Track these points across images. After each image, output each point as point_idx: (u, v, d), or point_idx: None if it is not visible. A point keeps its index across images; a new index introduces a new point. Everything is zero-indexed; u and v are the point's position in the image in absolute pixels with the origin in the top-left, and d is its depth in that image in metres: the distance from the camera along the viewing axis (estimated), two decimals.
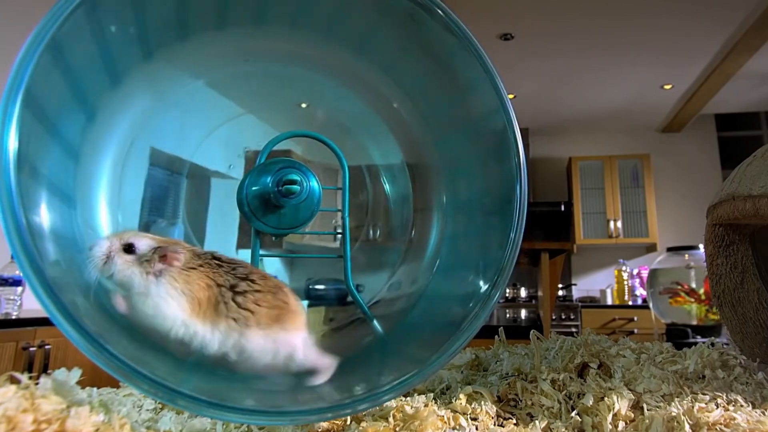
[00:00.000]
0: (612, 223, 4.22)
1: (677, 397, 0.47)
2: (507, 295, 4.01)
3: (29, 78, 0.34)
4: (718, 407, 0.44)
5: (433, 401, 0.48)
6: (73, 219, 0.43)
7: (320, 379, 0.44)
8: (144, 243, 0.41)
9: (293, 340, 0.43)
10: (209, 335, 0.40)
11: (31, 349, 1.92)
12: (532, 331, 0.59)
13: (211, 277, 0.42)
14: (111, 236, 0.41)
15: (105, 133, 0.47)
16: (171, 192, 0.53)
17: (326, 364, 0.44)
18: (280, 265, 0.59)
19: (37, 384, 0.37)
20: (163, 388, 0.34)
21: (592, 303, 4.05)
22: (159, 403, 0.50)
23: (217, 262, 0.43)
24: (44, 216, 0.38)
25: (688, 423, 0.41)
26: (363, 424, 0.42)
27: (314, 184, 0.52)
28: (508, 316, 3.77)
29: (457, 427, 0.43)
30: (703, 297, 1.63)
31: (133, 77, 0.47)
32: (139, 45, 0.47)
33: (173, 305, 0.40)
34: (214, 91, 0.54)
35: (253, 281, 0.43)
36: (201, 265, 0.42)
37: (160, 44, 0.48)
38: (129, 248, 0.40)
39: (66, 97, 0.41)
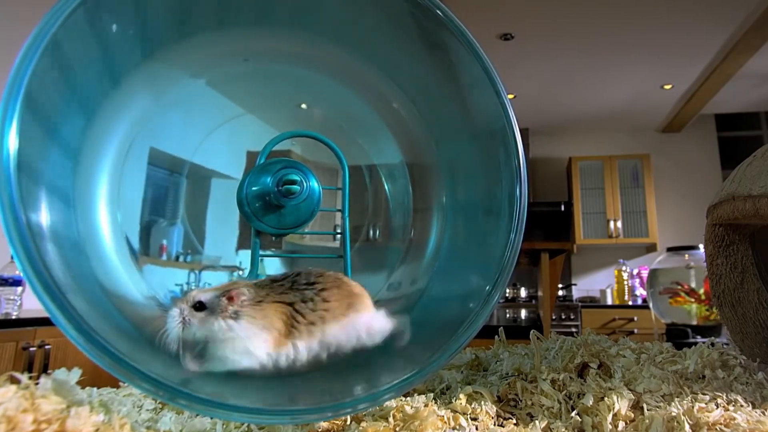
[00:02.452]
0: (612, 223, 4.22)
1: (677, 397, 0.47)
2: (507, 295, 4.01)
3: (29, 79, 0.34)
4: (718, 407, 0.44)
5: (433, 401, 0.48)
6: (73, 219, 0.43)
7: (405, 338, 0.47)
8: (209, 295, 0.42)
9: (368, 318, 0.46)
10: (295, 349, 0.43)
11: (31, 349, 1.92)
12: (532, 331, 0.59)
13: (281, 300, 0.43)
14: (176, 303, 0.42)
15: (105, 133, 0.47)
16: (171, 192, 0.53)
17: (400, 325, 0.47)
18: (280, 265, 0.59)
19: (37, 384, 0.37)
20: (163, 388, 0.34)
21: (592, 303, 4.05)
22: (159, 403, 0.50)
23: (278, 283, 0.45)
24: (44, 216, 0.38)
25: (688, 423, 0.41)
26: (363, 424, 0.42)
27: (314, 184, 0.52)
28: (508, 316, 3.77)
29: (457, 427, 0.43)
30: (703, 297, 1.63)
31: (133, 77, 0.47)
32: (140, 45, 0.47)
33: (258, 341, 0.41)
34: (214, 90, 0.54)
35: (317, 282, 0.45)
36: (267, 294, 0.43)
37: (161, 44, 0.48)
38: (200, 306, 0.41)
39: (66, 97, 0.41)
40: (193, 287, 0.54)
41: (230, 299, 0.42)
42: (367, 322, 0.46)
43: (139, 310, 0.47)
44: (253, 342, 0.41)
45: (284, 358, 0.42)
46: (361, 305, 0.46)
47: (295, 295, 0.44)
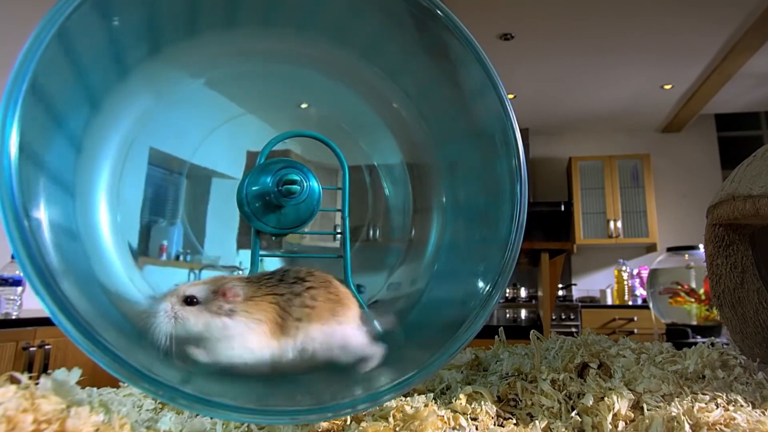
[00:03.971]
0: (612, 223, 4.22)
1: (677, 397, 0.47)
2: (507, 295, 4.01)
3: (36, 65, 0.34)
4: (718, 407, 0.44)
5: (433, 401, 0.48)
6: (73, 219, 0.43)
7: (370, 365, 0.45)
8: (199, 289, 0.42)
9: (348, 331, 0.45)
10: (284, 345, 0.42)
11: (31, 349, 1.92)
12: (532, 331, 0.59)
13: (272, 293, 0.43)
14: (164, 297, 0.42)
15: (107, 129, 0.47)
16: (171, 192, 0.53)
17: (376, 352, 0.46)
18: (279, 265, 0.59)
19: (37, 384, 0.37)
20: (163, 388, 0.34)
21: (592, 303, 4.05)
22: (159, 403, 0.50)
23: (267, 277, 0.44)
24: (45, 214, 0.38)
25: (688, 423, 0.41)
26: (363, 424, 0.42)
27: (314, 184, 0.52)
28: (508, 316, 3.77)
29: (457, 427, 0.43)
30: (703, 297, 1.62)
31: (139, 72, 0.47)
32: (147, 40, 0.47)
33: (256, 338, 0.41)
34: (214, 91, 0.54)
35: (305, 279, 0.44)
36: (259, 288, 0.43)
37: (169, 40, 0.48)
38: (191, 300, 0.41)
39: (72, 87, 0.41)
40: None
41: (223, 295, 0.41)
42: (345, 336, 0.44)
43: (139, 310, 0.47)
44: (251, 338, 0.41)
45: (279, 352, 0.42)
46: (345, 316, 0.45)
47: (284, 288, 0.43)
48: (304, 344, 0.43)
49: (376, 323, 0.48)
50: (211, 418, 0.44)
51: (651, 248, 4.25)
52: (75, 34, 0.38)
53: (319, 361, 0.43)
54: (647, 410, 0.45)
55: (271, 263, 0.56)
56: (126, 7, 0.43)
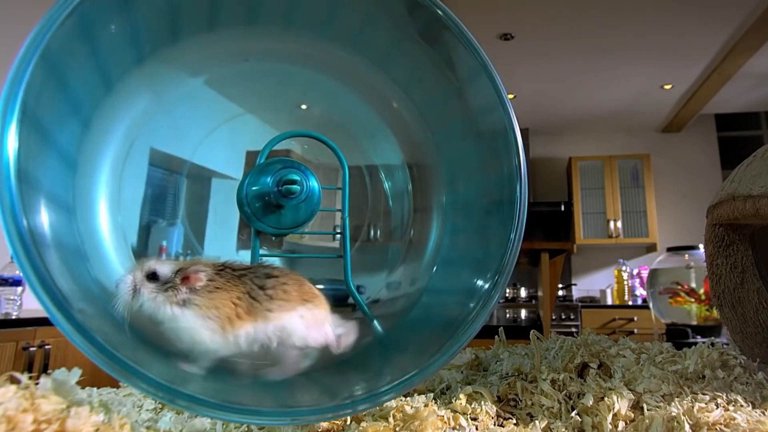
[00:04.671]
0: (612, 223, 4.22)
1: (677, 397, 0.47)
2: (507, 295, 4.01)
3: (24, 89, 0.34)
4: (718, 407, 0.44)
5: (433, 401, 0.48)
6: (73, 221, 0.43)
7: (350, 338, 0.46)
8: (166, 268, 0.41)
9: (322, 315, 0.45)
10: (251, 335, 0.42)
11: (31, 349, 1.92)
12: (532, 331, 0.59)
13: (238, 287, 0.43)
14: (134, 269, 0.41)
15: (103, 137, 0.47)
16: (171, 192, 0.53)
17: (349, 326, 0.47)
18: (280, 264, 0.59)
19: (37, 384, 0.37)
20: (163, 388, 0.34)
21: (592, 303, 4.05)
22: (159, 403, 0.50)
23: (240, 271, 0.44)
24: (43, 219, 0.38)
25: (688, 423, 0.41)
26: (363, 424, 0.42)
27: (314, 184, 0.52)
28: (508, 316, 3.77)
29: (457, 427, 0.43)
30: (703, 297, 1.62)
31: (128, 80, 0.47)
32: (133, 49, 0.47)
33: (206, 332, 0.41)
34: (213, 90, 0.54)
35: (277, 276, 0.44)
36: (227, 281, 0.43)
37: (154, 47, 0.48)
38: (152, 276, 0.41)
39: (62, 105, 0.41)
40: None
41: (185, 279, 0.41)
42: (321, 319, 0.45)
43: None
44: (199, 333, 0.40)
45: (241, 344, 0.41)
46: (317, 305, 0.45)
47: (254, 284, 0.43)
48: (278, 331, 0.43)
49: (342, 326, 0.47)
50: (211, 419, 0.44)
51: (651, 248, 4.25)
52: (60, 50, 0.38)
53: (295, 347, 0.43)
54: (647, 410, 0.45)
55: (271, 263, 0.56)
56: (108, 19, 0.43)
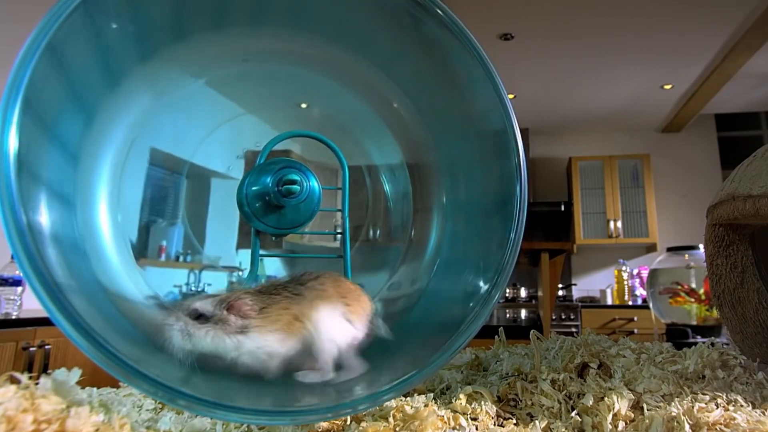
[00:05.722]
0: (612, 223, 4.22)
1: (677, 397, 0.47)
2: (507, 295, 4.01)
3: (28, 81, 0.34)
4: (718, 407, 0.44)
5: (433, 401, 0.48)
6: (73, 220, 0.43)
7: (350, 375, 0.46)
8: (207, 305, 0.42)
9: (364, 309, 0.47)
10: (308, 338, 0.43)
11: (31, 349, 1.92)
12: (532, 331, 0.59)
13: (282, 302, 0.43)
14: (173, 313, 0.42)
15: (104, 134, 0.47)
16: (171, 192, 0.53)
17: (358, 366, 0.46)
18: (280, 265, 0.59)
19: (37, 384, 0.37)
20: (163, 388, 0.34)
21: (592, 303, 4.05)
22: (159, 403, 0.50)
23: (276, 287, 0.45)
24: (44, 217, 0.38)
25: (688, 423, 0.41)
26: (363, 424, 0.42)
27: (314, 184, 0.52)
28: (508, 316, 3.77)
29: (457, 427, 0.43)
30: (703, 297, 1.62)
31: (131, 78, 0.47)
32: (137, 46, 0.47)
33: (276, 344, 0.42)
34: (213, 91, 0.54)
35: (314, 280, 0.46)
36: (269, 298, 0.43)
37: (158, 46, 0.48)
38: (198, 316, 0.41)
39: (64, 100, 0.41)
40: (192, 288, 0.53)
41: (230, 308, 0.42)
42: (341, 322, 0.45)
43: (139, 310, 0.47)
44: (271, 347, 0.42)
45: (295, 355, 0.43)
46: (353, 309, 0.46)
47: (295, 290, 0.44)
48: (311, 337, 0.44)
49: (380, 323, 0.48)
50: (211, 419, 0.44)
51: (651, 248, 4.25)
52: (65, 44, 0.38)
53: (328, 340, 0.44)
54: (647, 410, 0.45)
55: (271, 263, 0.56)
56: (114, 15, 0.43)
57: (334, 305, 0.45)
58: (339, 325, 0.44)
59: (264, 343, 0.41)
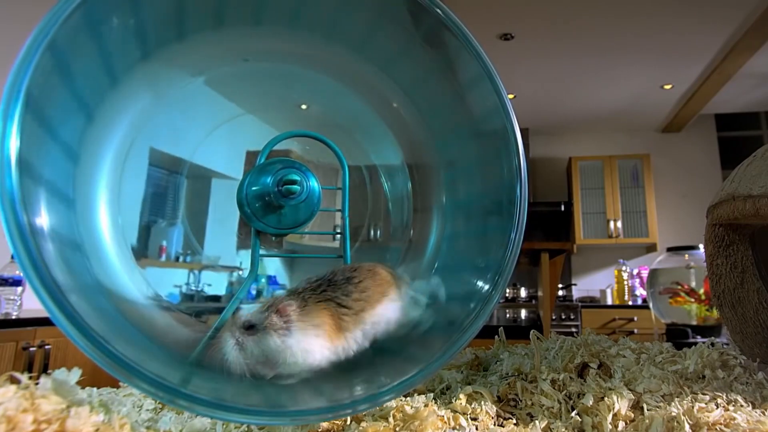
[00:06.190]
0: (612, 223, 4.22)
1: (677, 397, 0.47)
2: (507, 295, 4.01)
3: (29, 80, 0.34)
4: (718, 407, 0.44)
5: (433, 401, 0.48)
6: (73, 220, 0.43)
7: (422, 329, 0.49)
8: (255, 315, 0.43)
9: (391, 309, 0.48)
10: (347, 340, 0.45)
11: (31, 349, 1.92)
12: (532, 331, 0.59)
13: (323, 299, 0.45)
14: (226, 328, 0.43)
15: (105, 133, 0.47)
16: (171, 192, 0.53)
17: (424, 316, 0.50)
18: (280, 265, 0.59)
19: (37, 384, 0.37)
20: (163, 388, 0.34)
21: (592, 303, 4.05)
22: (159, 403, 0.50)
23: (315, 283, 0.46)
24: (45, 217, 0.38)
25: (688, 423, 0.41)
26: (363, 424, 0.42)
27: (314, 184, 0.52)
28: (508, 316, 3.77)
29: (457, 427, 0.43)
30: (703, 297, 1.62)
31: (132, 77, 0.47)
32: (138, 45, 0.47)
33: (317, 341, 0.43)
34: (213, 91, 0.54)
35: (352, 278, 0.47)
36: (309, 297, 0.45)
37: (158, 45, 0.48)
38: (250, 327, 0.42)
39: (65, 98, 0.41)
40: (192, 288, 0.54)
41: (278, 312, 0.43)
42: (394, 312, 0.48)
43: (140, 311, 0.47)
44: (312, 342, 0.43)
45: (341, 350, 0.44)
46: (392, 294, 0.48)
47: (334, 291, 0.45)
48: (365, 332, 0.45)
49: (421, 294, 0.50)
50: (211, 419, 0.44)
51: (651, 248, 4.25)
52: (67, 43, 0.38)
53: (382, 341, 0.47)
54: (647, 410, 0.45)
55: (271, 263, 0.56)
56: (116, 14, 0.43)
57: (376, 294, 0.47)
58: (383, 308, 0.47)
59: (309, 344, 0.43)
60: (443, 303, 0.52)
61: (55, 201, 0.40)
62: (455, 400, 0.47)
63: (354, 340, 0.45)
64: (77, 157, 0.44)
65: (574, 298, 4.24)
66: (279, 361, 0.42)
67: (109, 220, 0.47)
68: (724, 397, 0.47)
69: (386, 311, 0.47)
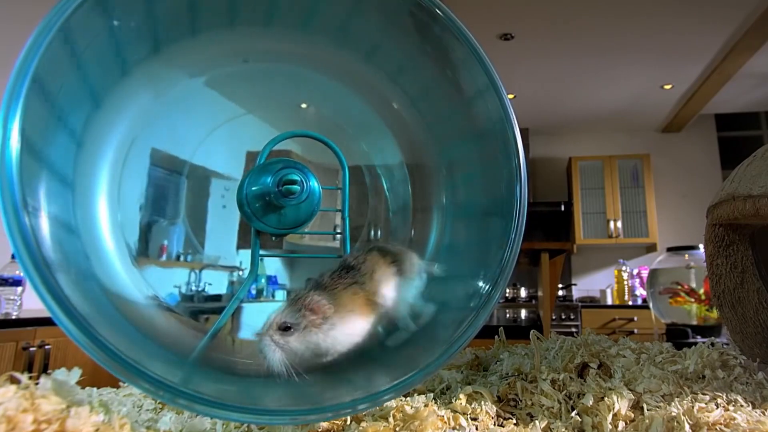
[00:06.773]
0: (612, 223, 4.22)
1: (677, 397, 0.47)
2: (507, 295, 4.01)
3: (38, 62, 0.34)
4: (718, 407, 0.44)
5: (433, 401, 0.48)
6: (73, 220, 0.42)
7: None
8: (290, 316, 0.44)
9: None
10: (390, 312, 0.47)
11: (31, 349, 1.92)
12: (532, 331, 0.59)
13: (349, 282, 0.46)
14: (263, 335, 0.44)
15: (108, 126, 0.47)
16: (171, 192, 0.53)
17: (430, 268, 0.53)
18: (280, 265, 0.59)
19: (37, 384, 0.37)
20: (164, 388, 0.34)
21: (592, 303, 4.05)
22: (159, 403, 0.50)
23: (336, 275, 0.47)
24: (45, 216, 0.38)
25: (688, 423, 0.41)
26: (363, 424, 0.42)
27: (314, 184, 0.52)
28: (508, 316, 3.77)
29: (457, 427, 0.43)
30: (703, 297, 1.63)
31: (139, 71, 0.47)
32: (149, 38, 0.47)
33: (358, 326, 0.45)
34: (214, 91, 0.54)
35: (365, 262, 0.48)
36: (334, 288, 0.46)
37: (170, 39, 0.48)
38: (287, 327, 0.43)
39: (73, 83, 0.41)
40: (192, 288, 0.54)
41: (312, 311, 0.44)
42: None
43: (140, 310, 0.47)
44: (354, 331, 0.45)
45: (381, 327, 0.46)
46: (403, 261, 0.50)
47: (353, 276, 0.47)
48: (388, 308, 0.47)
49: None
50: (211, 418, 0.44)
51: (651, 248, 4.25)
52: (77, 32, 0.38)
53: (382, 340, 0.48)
54: (647, 410, 0.45)
55: (271, 263, 0.56)
56: (127, 7, 0.43)
57: (390, 273, 0.49)
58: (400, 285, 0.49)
59: (352, 329, 0.45)
60: (442, 289, 0.53)
61: (56, 187, 0.40)
62: (455, 400, 0.47)
63: (386, 310, 0.47)
64: (81, 145, 0.44)
65: (574, 298, 4.24)
66: (326, 353, 0.44)
67: (109, 220, 0.47)
68: (724, 397, 0.47)
69: (397, 287, 0.49)
